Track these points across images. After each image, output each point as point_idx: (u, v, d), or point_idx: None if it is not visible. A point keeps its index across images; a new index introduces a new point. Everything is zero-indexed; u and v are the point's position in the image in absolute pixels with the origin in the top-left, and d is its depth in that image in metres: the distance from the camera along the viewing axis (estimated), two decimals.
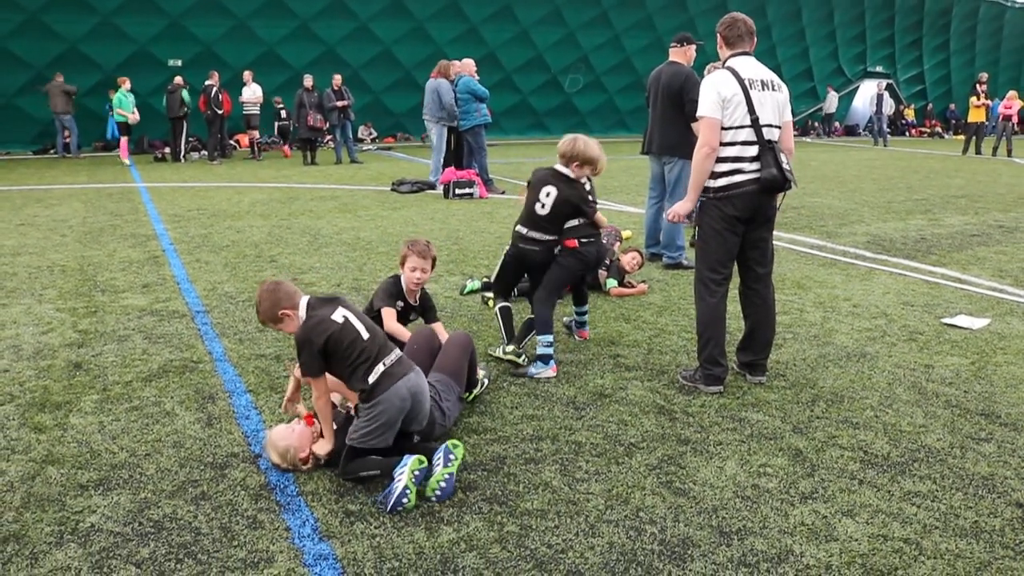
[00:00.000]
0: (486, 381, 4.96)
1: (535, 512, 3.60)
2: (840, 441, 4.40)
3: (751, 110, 4.85)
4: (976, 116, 25.49)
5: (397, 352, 3.99)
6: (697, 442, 4.35)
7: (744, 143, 4.88)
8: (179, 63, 22.95)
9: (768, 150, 4.87)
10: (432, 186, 14.63)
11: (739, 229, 5.00)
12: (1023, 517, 3.63)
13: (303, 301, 3.90)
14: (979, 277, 8.36)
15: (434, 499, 3.64)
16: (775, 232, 9.63)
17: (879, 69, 36.28)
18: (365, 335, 3.87)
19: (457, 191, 13.63)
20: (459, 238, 10.05)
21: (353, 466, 3.81)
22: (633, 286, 7.51)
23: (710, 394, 5.02)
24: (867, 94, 35.42)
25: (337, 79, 19.81)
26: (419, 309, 5.34)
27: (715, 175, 4.94)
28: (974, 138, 25.74)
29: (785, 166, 4.88)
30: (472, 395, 4.77)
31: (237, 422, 4.55)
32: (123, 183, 15.57)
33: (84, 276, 7.86)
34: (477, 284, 7.41)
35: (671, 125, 8.35)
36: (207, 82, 20.52)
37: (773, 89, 4.97)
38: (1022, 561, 3.28)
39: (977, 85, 25.54)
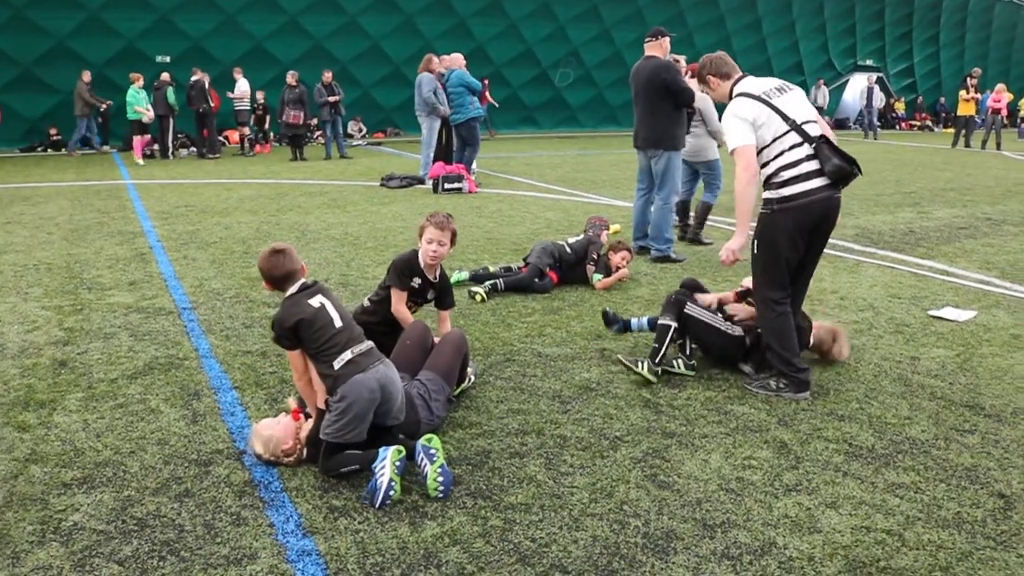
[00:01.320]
0: (472, 377, 4.95)
1: (519, 506, 3.60)
2: (825, 433, 4.41)
3: (784, 117, 4.74)
4: (965, 109, 25.57)
5: (368, 344, 3.97)
6: (682, 435, 4.36)
7: (793, 147, 4.74)
8: (167, 59, 22.86)
9: (822, 143, 4.73)
10: (421, 181, 14.62)
11: (805, 239, 4.84)
12: (1005, 508, 3.65)
13: (297, 284, 4.00)
14: (966, 269, 8.39)
15: (440, 496, 3.62)
16: None
17: (869, 62, 36.36)
18: (338, 323, 3.90)
19: (446, 185, 13.62)
20: None
21: (332, 463, 3.79)
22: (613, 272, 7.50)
23: (800, 400, 4.85)
24: (857, 87, 35.50)
25: (327, 75, 19.78)
26: (438, 287, 5.20)
27: (779, 184, 4.77)
28: (963, 131, 25.81)
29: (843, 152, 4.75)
30: (459, 390, 4.76)
31: (222, 419, 4.54)
32: (111, 180, 15.51)
33: (70, 274, 7.83)
34: (464, 275, 7.39)
35: (655, 118, 8.42)
36: (192, 78, 20.42)
37: (789, 90, 4.89)
38: (1003, 552, 3.30)
39: (968, 79, 25.61)
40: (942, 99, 38.55)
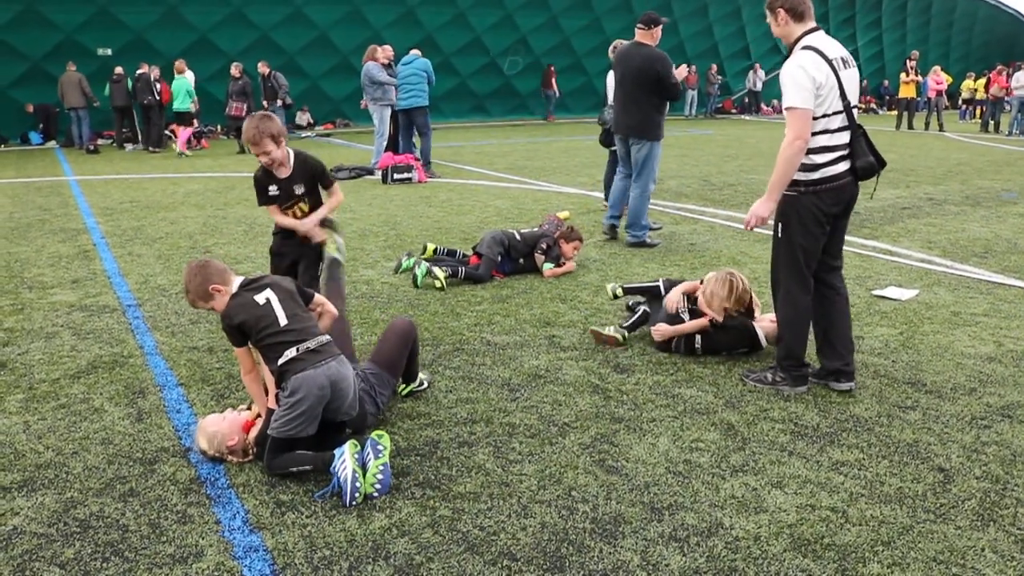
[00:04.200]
0: (425, 383, 4.84)
1: (468, 495, 3.60)
2: (771, 414, 4.47)
3: (843, 94, 4.45)
4: (907, 92, 25.99)
5: (320, 339, 3.92)
6: (631, 420, 4.39)
7: (838, 130, 4.48)
8: (109, 52, 22.44)
9: (860, 135, 4.53)
10: (370, 171, 14.51)
11: (829, 224, 4.62)
12: (944, 481, 3.73)
13: (236, 281, 4.00)
14: (909, 249, 8.54)
15: (376, 494, 3.57)
16: (711, 209, 9.70)
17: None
18: (283, 321, 3.86)
19: (395, 176, 13.54)
20: (397, 223, 9.99)
21: (281, 461, 3.73)
22: (563, 264, 7.53)
23: (798, 395, 4.74)
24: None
25: (264, 67, 19.60)
26: (302, 176, 5.25)
27: (808, 167, 4.48)
28: (906, 113, 26.24)
29: (877, 150, 4.58)
30: (407, 389, 4.69)
31: (168, 416, 4.48)
32: (53, 177, 15.19)
33: (10, 273, 7.66)
34: (412, 262, 7.31)
35: (638, 108, 8.44)
36: (139, 71, 20.08)
37: (852, 67, 4.55)
38: (942, 524, 3.37)
39: (907, 61, 26.05)
40: (885, 82, 39.15)
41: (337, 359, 3.90)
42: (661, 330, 5.39)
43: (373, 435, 3.74)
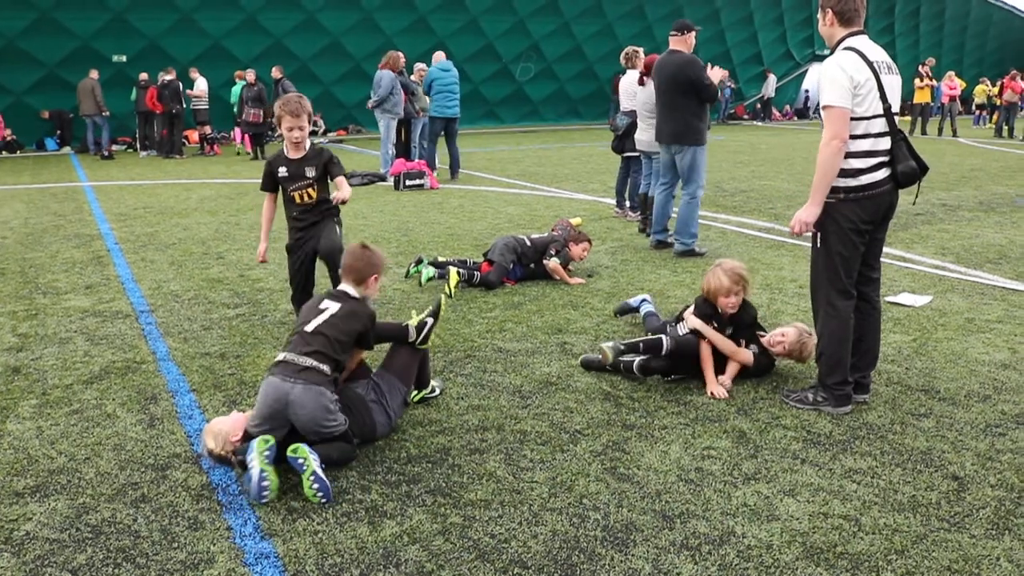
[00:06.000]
0: (437, 390, 4.85)
1: (479, 503, 3.60)
2: (784, 421, 4.45)
3: (883, 97, 4.37)
4: (921, 97, 25.90)
5: (305, 361, 3.88)
6: (642, 427, 4.38)
7: (878, 135, 4.39)
8: (124, 59, 22.60)
9: (901, 140, 4.44)
10: (383, 178, 14.55)
11: (868, 233, 4.53)
12: (958, 489, 3.70)
13: (348, 284, 4.35)
14: (922, 255, 8.50)
15: (324, 501, 3.58)
16: (723, 216, 9.68)
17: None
18: (306, 328, 4.05)
19: (407, 182, 13.57)
20: (409, 230, 10.00)
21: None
22: (571, 273, 7.50)
23: (842, 415, 4.55)
24: (816, 78, 35.89)
25: (275, 72, 19.66)
26: (315, 161, 5.62)
27: (849, 172, 4.39)
28: (919, 119, 26.15)
29: (919, 155, 4.48)
30: (419, 396, 4.69)
31: (180, 422, 4.49)
32: (67, 183, 15.28)
33: (25, 278, 7.70)
34: (432, 271, 7.29)
35: (677, 113, 8.44)
36: (166, 77, 20.21)
37: (895, 73, 4.51)
38: (957, 533, 3.35)
39: (920, 67, 25.96)
40: None
41: (303, 384, 3.82)
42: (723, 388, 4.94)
43: (288, 451, 3.66)
